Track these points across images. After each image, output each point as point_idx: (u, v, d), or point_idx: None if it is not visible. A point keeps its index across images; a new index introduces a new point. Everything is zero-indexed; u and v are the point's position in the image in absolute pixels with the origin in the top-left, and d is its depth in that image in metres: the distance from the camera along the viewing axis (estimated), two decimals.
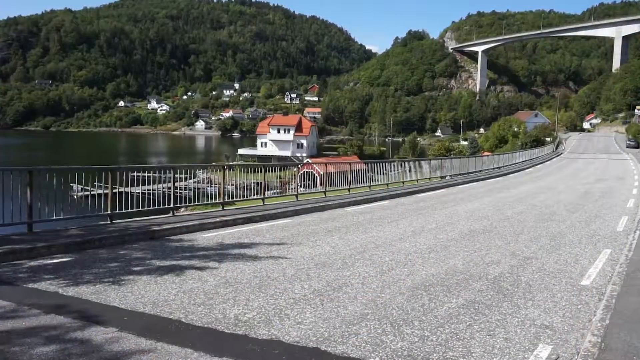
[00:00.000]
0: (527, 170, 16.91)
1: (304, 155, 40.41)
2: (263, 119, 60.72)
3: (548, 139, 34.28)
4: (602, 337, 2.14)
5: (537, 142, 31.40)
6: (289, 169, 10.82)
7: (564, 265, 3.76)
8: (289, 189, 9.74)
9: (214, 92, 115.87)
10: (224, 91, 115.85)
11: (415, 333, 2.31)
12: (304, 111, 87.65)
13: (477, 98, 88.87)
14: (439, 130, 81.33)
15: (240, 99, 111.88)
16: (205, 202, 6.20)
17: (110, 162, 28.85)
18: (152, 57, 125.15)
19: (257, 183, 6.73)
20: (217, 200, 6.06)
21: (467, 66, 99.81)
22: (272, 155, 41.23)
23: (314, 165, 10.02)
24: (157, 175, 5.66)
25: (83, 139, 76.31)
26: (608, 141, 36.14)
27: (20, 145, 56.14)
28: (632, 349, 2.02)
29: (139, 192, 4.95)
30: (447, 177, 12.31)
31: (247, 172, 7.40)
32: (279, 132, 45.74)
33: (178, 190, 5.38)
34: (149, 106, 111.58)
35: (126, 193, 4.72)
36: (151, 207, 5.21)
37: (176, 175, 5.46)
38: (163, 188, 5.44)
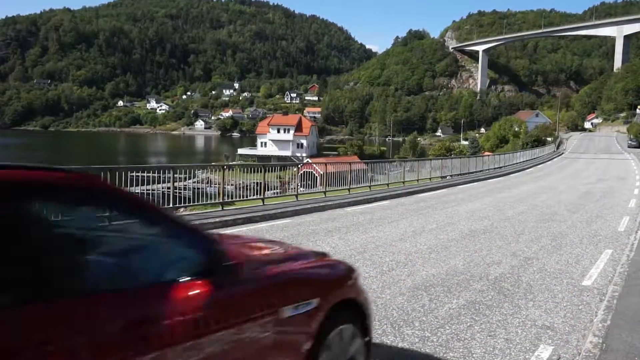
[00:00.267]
0: (528, 170, 16.83)
1: (304, 155, 40.24)
2: (263, 119, 60.59)
3: (549, 139, 34.17)
4: (603, 337, 2.13)
5: (538, 142, 31.29)
6: (289, 168, 10.82)
7: (565, 265, 3.75)
8: (288, 189, 9.69)
9: (213, 92, 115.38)
10: (224, 91, 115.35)
11: (416, 334, 2.30)
12: (304, 111, 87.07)
13: (478, 98, 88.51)
14: (440, 130, 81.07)
15: (240, 98, 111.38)
16: (204, 202, 6.14)
17: (109, 162, 28.62)
18: (152, 56, 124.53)
19: (257, 183, 6.71)
20: (217, 201, 6.02)
21: (468, 66, 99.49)
22: (271, 155, 41.00)
23: (314, 165, 10.02)
24: (156, 175, 5.64)
25: (82, 138, 76.15)
26: (609, 141, 35.90)
27: (19, 145, 55.90)
28: (633, 350, 2.00)
29: (138, 192, 4.94)
30: (447, 177, 12.26)
31: (247, 172, 7.37)
32: (278, 132, 45.66)
33: (177, 191, 5.37)
34: (148, 106, 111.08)
35: None
36: None
37: (175, 175, 5.42)
38: (162, 188, 5.45)
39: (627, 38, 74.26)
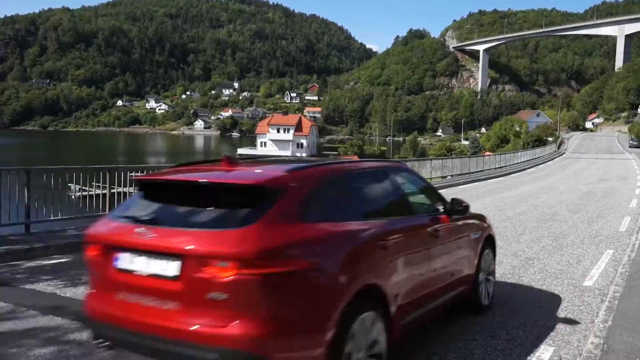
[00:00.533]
0: (528, 170, 16.76)
1: (304, 155, 40.31)
2: (262, 119, 60.42)
3: (550, 139, 34.06)
4: (604, 338, 2.12)
5: (539, 142, 31.09)
6: None
7: (566, 266, 3.73)
8: None
9: (213, 92, 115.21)
10: (223, 90, 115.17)
11: (416, 334, 2.29)
12: (304, 111, 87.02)
13: (479, 97, 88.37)
14: (440, 130, 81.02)
15: (240, 98, 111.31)
16: None
17: (108, 162, 28.54)
18: (151, 56, 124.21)
19: None
20: None
21: (469, 65, 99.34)
22: (271, 155, 41.31)
23: None
24: None
25: (81, 138, 75.60)
26: (610, 141, 35.69)
27: (17, 145, 55.56)
28: (634, 351, 1.99)
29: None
30: (448, 177, 12.21)
31: None
32: (278, 131, 45.71)
33: None
34: (148, 106, 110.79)
35: (125, 193, 4.66)
36: None
37: None
38: None
39: (628, 37, 74.15)
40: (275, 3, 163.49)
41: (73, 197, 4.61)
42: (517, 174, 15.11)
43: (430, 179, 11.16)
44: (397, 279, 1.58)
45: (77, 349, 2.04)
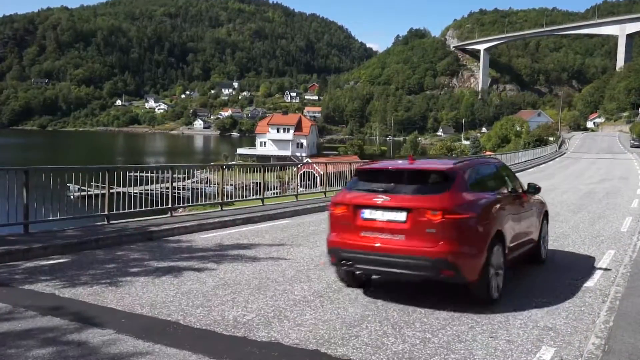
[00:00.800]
0: (529, 170, 16.76)
1: (304, 154, 40.27)
2: (262, 118, 60.55)
3: (551, 139, 34.04)
4: (605, 339, 2.12)
5: (540, 142, 31.03)
6: (289, 168, 10.78)
7: (567, 266, 3.73)
8: (288, 189, 9.65)
9: (212, 91, 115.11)
10: (223, 90, 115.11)
11: (417, 335, 2.29)
12: (304, 110, 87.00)
13: (479, 97, 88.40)
14: (441, 130, 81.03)
15: (239, 98, 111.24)
16: (203, 203, 6.15)
17: (107, 162, 28.71)
18: (150, 55, 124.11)
19: (257, 183, 6.69)
20: (216, 201, 6.01)
21: (469, 65, 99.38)
22: (271, 155, 41.05)
23: (314, 165, 9.98)
24: (154, 175, 5.62)
25: (80, 138, 75.80)
26: (612, 140, 35.58)
27: (16, 145, 55.79)
28: (636, 351, 1.99)
29: (136, 193, 4.91)
30: None
31: (246, 172, 7.37)
32: (278, 131, 45.60)
33: (176, 191, 5.36)
34: (147, 105, 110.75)
35: (123, 193, 4.68)
36: (149, 208, 5.17)
37: (174, 175, 5.43)
38: (161, 188, 5.41)
39: (629, 37, 74.01)
40: (275, 2, 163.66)
41: (72, 197, 4.61)
42: (518, 174, 14.99)
43: None
44: (509, 229, 2.82)
45: (76, 349, 2.04)
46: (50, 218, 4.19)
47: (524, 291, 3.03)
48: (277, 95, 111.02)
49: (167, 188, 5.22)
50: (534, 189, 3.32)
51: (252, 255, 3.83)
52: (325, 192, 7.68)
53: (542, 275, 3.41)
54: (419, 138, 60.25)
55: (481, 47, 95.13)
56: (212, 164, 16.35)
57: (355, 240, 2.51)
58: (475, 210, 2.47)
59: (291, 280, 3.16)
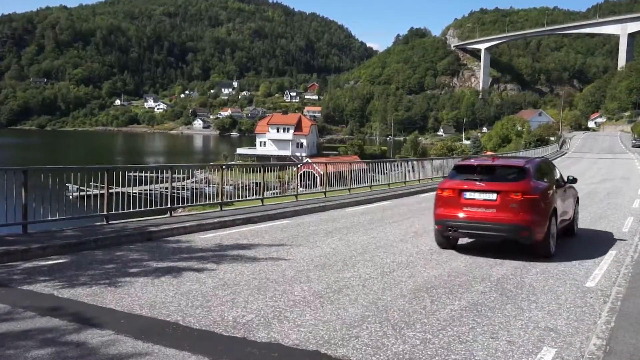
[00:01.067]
0: None
1: (304, 154, 40.22)
2: (262, 118, 60.28)
3: (552, 138, 34.05)
4: (607, 340, 2.11)
5: (541, 142, 31.04)
6: (289, 168, 10.75)
7: (569, 267, 3.73)
8: (288, 189, 9.69)
9: (212, 91, 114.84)
10: (222, 90, 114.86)
11: (417, 336, 2.28)
12: (304, 110, 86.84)
13: (480, 97, 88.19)
14: (441, 130, 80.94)
15: (239, 97, 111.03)
16: (203, 203, 6.14)
17: (106, 162, 28.63)
18: (149, 55, 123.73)
19: (256, 183, 6.67)
20: (215, 201, 6.00)
21: (470, 64, 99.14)
22: (271, 155, 41.01)
23: (314, 165, 9.98)
24: (154, 175, 5.60)
25: (79, 138, 75.44)
26: (613, 140, 35.65)
27: (15, 145, 55.63)
28: (637, 352, 1.99)
29: (135, 193, 4.89)
30: None
31: (246, 172, 7.33)
32: (278, 131, 45.50)
33: (175, 191, 5.32)
34: (146, 105, 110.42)
35: (122, 193, 4.67)
36: (148, 208, 5.15)
37: (173, 175, 5.40)
38: (160, 188, 5.41)
39: (631, 36, 73.63)
40: (274, 1, 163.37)
41: (71, 197, 4.57)
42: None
43: (432, 179, 11.25)
44: (559, 207, 4.04)
45: (75, 350, 2.03)
46: (49, 218, 4.18)
47: (525, 292, 3.01)
48: (276, 95, 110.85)
49: (167, 188, 5.21)
50: (572, 180, 4.82)
51: (252, 256, 3.82)
52: (325, 192, 7.66)
53: (542, 276, 3.41)
54: (420, 138, 59.84)
55: (482, 47, 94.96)
56: (211, 163, 16.35)
57: (459, 213, 3.88)
58: (541, 193, 3.86)
59: (291, 280, 3.15)
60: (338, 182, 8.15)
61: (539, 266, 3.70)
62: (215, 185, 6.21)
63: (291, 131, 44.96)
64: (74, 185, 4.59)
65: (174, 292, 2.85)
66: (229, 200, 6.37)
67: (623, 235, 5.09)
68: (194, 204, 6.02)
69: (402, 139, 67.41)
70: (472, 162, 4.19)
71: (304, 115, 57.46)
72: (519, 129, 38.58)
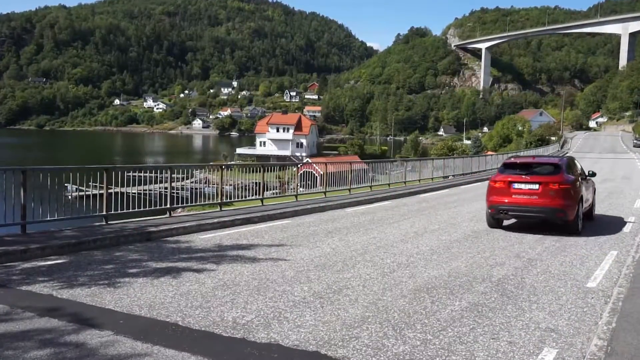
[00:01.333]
0: None
1: (304, 154, 40.19)
2: (262, 118, 60.16)
3: (553, 138, 33.98)
4: (608, 340, 2.11)
5: (542, 142, 30.92)
6: (289, 168, 10.81)
7: (570, 267, 3.72)
8: (288, 189, 9.76)
9: (211, 90, 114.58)
10: (222, 89, 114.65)
11: (418, 336, 2.27)
12: (304, 110, 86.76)
13: (481, 96, 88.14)
14: (442, 129, 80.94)
15: (239, 97, 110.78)
16: (202, 203, 6.13)
17: (105, 162, 28.50)
18: (149, 54, 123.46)
19: (256, 183, 6.66)
20: (215, 201, 5.99)
21: (471, 64, 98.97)
22: (271, 155, 40.98)
23: (314, 165, 10.00)
24: (153, 175, 5.58)
25: (78, 138, 75.50)
26: (614, 140, 35.69)
27: (13, 145, 55.45)
28: (639, 353, 1.98)
29: (134, 193, 4.88)
30: (450, 177, 12.23)
31: (246, 172, 7.29)
32: (278, 131, 45.38)
33: (175, 191, 5.32)
34: (145, 105, 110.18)
35: (122, 193, 4.66)
36: (147, 208, 5.14)
37: (173, 175, 5.38)
38: (159, 188, 5.37)
39: (632, 35, 73.45)
40: (274, 1, 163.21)
41: (70, 197, 4.55)
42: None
43: (432, 179, 11.27)
44: (584, 195, 5.26)
45: (73, 351, 2.02)
46: (48, 218, 4.16)
47: (526, 292, 3.00)
48: (276, 95, 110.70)
49: (166, 188, 5.20)
50: (592, 174, 6.08)
51: (252, 256, 3.81)
52: (325, 192, 7.64)
53: (543, 276, 3.40)
54: (420, 138, 59.92)
55: (482, 46, 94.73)
56: (211, 163, 16.23)
57: (508, 200, 5.02)
58: (572, 183, 5.02)
59: (291, 281, 3.14)
60: (338, 182, 8.14)
61: (540, 267, 3.70)
62: (215, 185, 6.23)
63: (291, 131, 44.86)
64: (73, 185, 4.56)
65: (174, 293, 2.84)
66: (228, 200, 6.36)
67: (624, 235, 5.09)
68: (194, 204, 6.01)
69: (402, 138, 67.36)
70: (517, 160, 5.54)
71: (304, 115, 57.34)
72: (520, 128, 38.44)
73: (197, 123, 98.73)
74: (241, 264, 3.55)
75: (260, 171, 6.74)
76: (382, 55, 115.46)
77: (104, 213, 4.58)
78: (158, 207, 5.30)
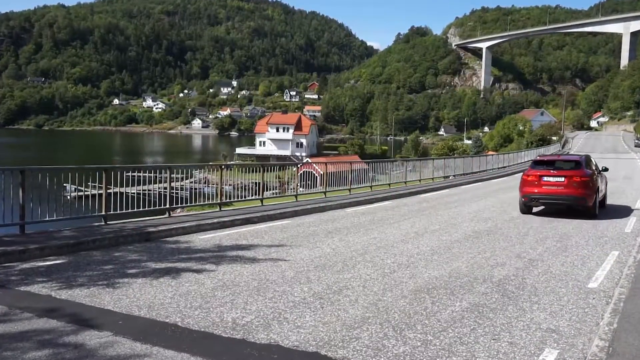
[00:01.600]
0: None
1: (304, 154, 40.13)
2: (261, 118, 60.11)
3: (554, 138, 33.88)
4: (609, 341, 2.10)
5: (543, 141, 30.86)
6: (288, 168, 10.77)
7: (571, 267, 3.71)
8: (288, 189, 9.74)
9: (211, 90, 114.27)
10: (222, 89, 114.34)
11: (418, 337, 2.26)
12: (304, 109, 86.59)
13: (482, 96, 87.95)
14: (442, 129, 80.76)
15: (238, 96, 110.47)
16: (202, 203, 6.12)
17: (104, 162, 28.46)
18: (148, 53, 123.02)
19: (256, 183, 6.67)
20: (215, 201, 5.98)
21: (471, 63, 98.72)
22: (270, 155, 40.86)
23: (314, 165, 10.00)
24: (152, 175, 5.58)
25: (77, 138, 75.22)
26: (616, 140, 35.67)
27: (12, 145, 55.22)
28: None
29: (134, 193, 4.87)
30: (450, 177, 12.23)
31: (245, 172, 7.30)
32: (277, 130, 45.29)
33: (174, 191, 5.30)
34: (145, 104, 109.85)
35: (121, 193, 4.64)
36: (147, 208, 5.12)
37: (172, 175, 5.37)
38: (159, 188, 5.37)
39: (634, 35, 73.15)
40: (274, 0, 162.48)
41: (68, 197, 4.54)
42: (521, 174, 14.85)
43: (433, 179, 11.25)
44: (599, 186, 6.57)
45: (72, 352, 2.01)
46: (47, 219, 4.15)
47: (527, 293, 3.00)
48: (276, 94, 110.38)
49: (165, 188, 5.18)
50: (605, 169, 7.32)
51: (251, 256, 3.80)
52: (325, 193, 7.62)
53: (544, 277, 3.39)
54: (421, 137, 59.77)
55: (483, 46, 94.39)
56: (210, 163, 16.31)
57: (539, 190, 6.21)
58: (590, 177, 6.15)
59: (291, 281, 3.13)
60: (338, 182, 8.13)
61: (541, 267, 3.68)
62: (215, 186, 6.20)
63: (291, 131, 44.78)
64: (71, 186, 4.55)
65: (173, 293, 2.83)
66: (228, 200, 6.36)
67: (626, 235, 5.07)
68: (193, 204, 6.00)
69: (402, 138, 67.23)
70: (545, 158, 7.07)
71: (304, 115, 57.19)
72: (521, 128, 38.30)
73: (197, 123, 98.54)
74: (241, 265, 3.53)
75: (260, 171, 6.74)
76: (383, 54, 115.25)
77: (103, 213, 4.56)
78: (157, 208, 5.28)
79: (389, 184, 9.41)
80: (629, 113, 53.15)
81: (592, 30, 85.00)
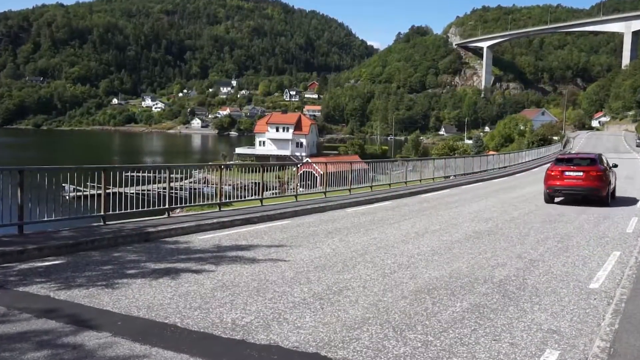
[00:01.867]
0: (533, 170, 16.70)
1: (304, 154, 40.04)
2: (261, 117, 60.01)
3: (555, 138, 33.87)
4: (611, 342, 2.09)
5: (544, 141, 30.90)
6: (288, 168, 10.73)
7: (572, 268, 3.70)
8: (288, 189, 9.69)
9: (210, 90, 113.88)
10: (221, 88, 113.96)
11: (419, 338, 2.26)
12: (304, 109, 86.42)
13: (482, 95, 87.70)
14: (443, 129, 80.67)
15: (238, 96, 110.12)
16: (201, 203, 6.11)
17: (103, 162, 28.43)
18: (147, 53, 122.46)
19: (255, 183, 6.65)
20: (214, 201, 5.98)
21: (472, 62, 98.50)
22: (270, 155, 40.74)
23: (314, 165, 10.00)
24: (151, 175, 5.57)
25: (75, 137, 74.79)
26: (617, 140, 35.50)
27: (10, 144, 55.05)
28: None
29: (133, 193, 4.85)
30: (451, 177, 12.24)
31: (245, 172, 7.30)
32: (277, 130, 45.21)
33: (173, 191, 5.29)
34: (144, 104, 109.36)
35: (120, 193, 4.63)
36: (146, 208, 5.11)
37: (171, 175, 5.35)
38: (158, 188, 5.37)
39: (635, 34, 72.79)
40: None
41: (67, 197, 4.52)
42: (522, 174, 15.04)
43: (433, 179, 11.25)
44: (611, 179, 8.13)
45: (71, 352, 2.00)
46: (46, 219, 4.13)
47: (528, 293, 2.99)
48: (276, 94, 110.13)
49: (164, 188, 5.17)
50: (615, 165, 8.44)
51: (251, 257, 3.79)
52: (325, 193, 7.61)
53: (545, 277, 3.38)
54: (421, 137, 59.78)
55: (484, 45, 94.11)
56: (210, 163, 16.21)
57: (561, 183, 7.51)
58: (604, 171, 7.43)
59: (291, 282, 3.12)
60: (338, 182, 8.13)
61: (542, 267, 3.67)
62: (214, 186, 6.19)
63: (291, 130, 44.70)
64: (70, 186, 4.54)
65: (172, 294, 2.82)
66: (227, 200, 6.33)
67: (627, 235, 5.05)
68: (192, 204, 5.99)
69: (403, 138, 67.17)
70: (565, 156, 8.33)
71: (304, 115, 57.02)
72: (522, 128, 38.22)
73: (196, 122, 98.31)
74: (240, 265, 3.52)
75: (259, 171, 6.72)
76: (383, 54, 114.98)
77: (102, 213, 4.55)
78: (156, 208, 5.27)
79: (389, 184, 9.41)
80: (630, 113, 52.88)
81: (593, 30, 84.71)
